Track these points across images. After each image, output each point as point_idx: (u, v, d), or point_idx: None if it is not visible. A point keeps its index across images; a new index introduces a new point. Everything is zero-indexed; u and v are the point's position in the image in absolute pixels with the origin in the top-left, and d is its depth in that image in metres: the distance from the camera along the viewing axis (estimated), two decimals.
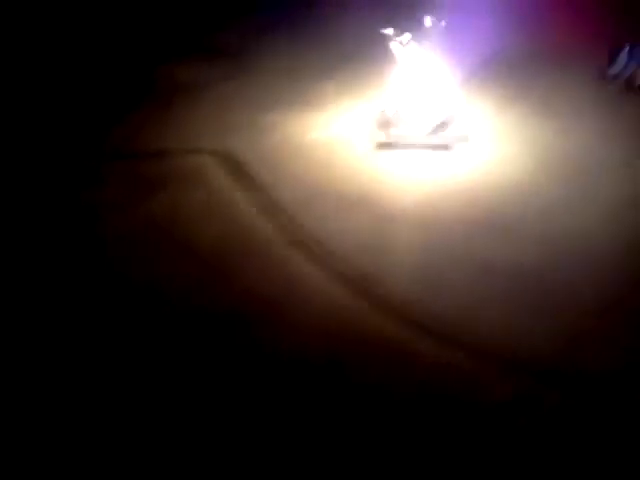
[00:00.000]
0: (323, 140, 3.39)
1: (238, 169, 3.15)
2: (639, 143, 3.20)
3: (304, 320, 2.31)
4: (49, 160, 3.21)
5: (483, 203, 2.92)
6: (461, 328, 2.27)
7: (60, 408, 1.97)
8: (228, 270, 2.55)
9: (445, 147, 3.28)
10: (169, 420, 1.94)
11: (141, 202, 2.91)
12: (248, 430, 1.91)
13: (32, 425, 1.93)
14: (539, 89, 3.74)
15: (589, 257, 2.58)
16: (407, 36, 3.24)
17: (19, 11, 4.54)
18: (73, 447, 1.86)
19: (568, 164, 3.14)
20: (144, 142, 3.38)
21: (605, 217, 2.79)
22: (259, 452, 1.85)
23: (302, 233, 2.75)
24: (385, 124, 3.35)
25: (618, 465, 1.79)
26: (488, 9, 4.23)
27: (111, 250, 2.65)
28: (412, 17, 3.26)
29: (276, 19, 4.73)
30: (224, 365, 2.13)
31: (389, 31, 3.25)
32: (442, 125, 3.31)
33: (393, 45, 3.29)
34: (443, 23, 3.09)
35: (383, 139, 3.31)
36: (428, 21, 3.11)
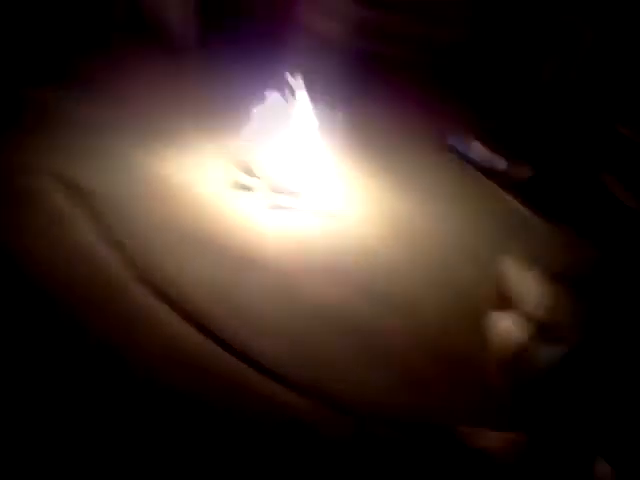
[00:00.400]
0: (179, 178, 3.36)
1: (84, 198, 3.03)
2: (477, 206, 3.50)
3: (147, 356, 2.29)
4: None
5: (331, 256, 3.05)
6: (300, 369, 2.36)
7: None
8: (69, 299, 2.47)
9: (298, 202, 3.37)
10: None
11: None
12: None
13: None
14: (388, 155, 3.98)
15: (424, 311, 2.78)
16: (274, 89, 3.35)
17: None
18: None
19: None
20: None
21: (440, 274, 3.03)
22: None
23: (148, 269, 2.69)
24: (244, 169, 3.40)
25: None
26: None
27: None
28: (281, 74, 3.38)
29: (137, 52, 4.62)
30: (61, 393, 2.07)
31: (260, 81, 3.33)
32: (300, 178, 3.41)
33: (260, 95, 3.38)
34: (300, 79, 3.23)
35: (245, 184, 3.36)
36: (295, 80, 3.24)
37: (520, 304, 1.93)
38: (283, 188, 3.37)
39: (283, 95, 3.32)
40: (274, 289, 2.77)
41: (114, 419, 2.03)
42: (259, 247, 3.00)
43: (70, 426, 1.99)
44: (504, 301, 2.02)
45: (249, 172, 3.40)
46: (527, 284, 1.90)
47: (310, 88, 3.40)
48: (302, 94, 3.33)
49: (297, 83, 3.28)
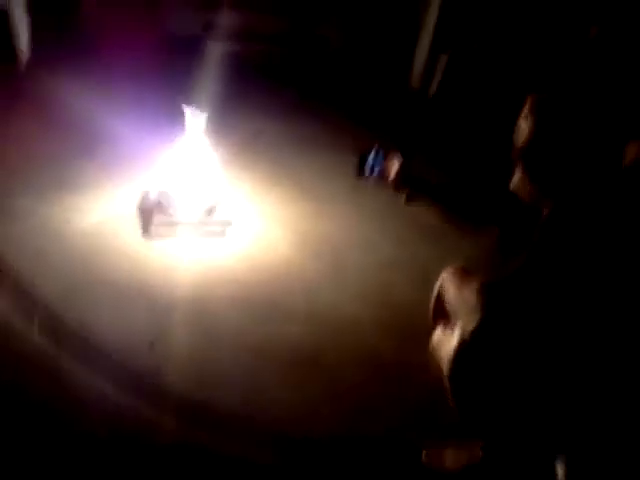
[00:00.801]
0: (85, 227, 3.22)
1: None
2: (381, 224, 3.63)
3: (78, 421, 2.21)
4: None
5: (252, 285, 3.02)
6: (241, 419, 2.33)
7: None
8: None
9: (213, 232, 3.34)
10: None
11: None
12: None
13: None
14: (300, 173, 4.04)
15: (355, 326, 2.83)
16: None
17: None
18: None
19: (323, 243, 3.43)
20: None
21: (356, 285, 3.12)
22: None
23: (68, 329, 2.57)
24: (152, 209, 3.31)
25: None
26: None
27: None
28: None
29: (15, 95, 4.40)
30: None
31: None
32: (209, 210, 3.36)
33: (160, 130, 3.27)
34: (204, 113, 3.16)
35: (150, 224, 3.26)
36: (190, 111, 3.16)
37: (457, 317, 1.95)
38: (196, 219, 3.32)
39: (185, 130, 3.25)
40: (197, 323, 2.74)
41: None
42: (178, 283, 2.94)
43: None
44: (442, 316, 2.05)
45: (158, 212, 3.30)
46: (464, 297, 1.91)
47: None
48: (196, 123, 3.25)
49: (191, 113, 3.21)
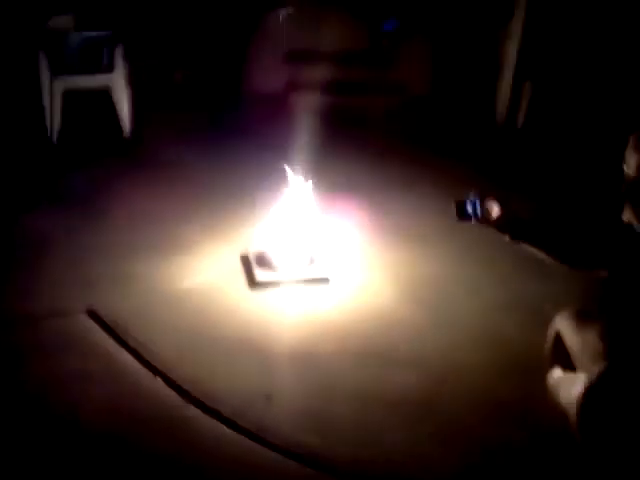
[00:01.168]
0: (193, 286, 3.36)
1: (107, 327, 3.02)
2: (485, 265, 3.58)
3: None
4: None
5: (359, 334, 3.04)
6: (356, 464, 2.34)
7: None
8: (120, 432, 2.45)
9: (317, 281, 3.41)
10: None
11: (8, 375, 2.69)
12: None
13: None
14: (398, 216, 4.08)
15: (465, 375, 2.78)
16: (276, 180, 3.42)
17: None
18: None
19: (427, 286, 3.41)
20: (3, 308, 3.14)
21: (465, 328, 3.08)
22: None
23: (189, 385, 2.67)
24: (256, 264, 3.44)
25: None
26: None
27: None
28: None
29: (124, 164, 4.70)
30: None
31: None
32: (312, 260, 3.46)
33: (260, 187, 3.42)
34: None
35: (255, 279, 3.37)
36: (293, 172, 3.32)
37: (579, 360, 1.92)
38: (303, 275, 3.41)
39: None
40: (307, 374, 2.78)
41: None
42: (287, 336, 3.01)
43: None
44: (560, 358, 2.02)
45: (263, 266, 3.43)
46: (586, 341, 1.89)
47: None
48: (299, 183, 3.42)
49: (293, 175, 3.38)
